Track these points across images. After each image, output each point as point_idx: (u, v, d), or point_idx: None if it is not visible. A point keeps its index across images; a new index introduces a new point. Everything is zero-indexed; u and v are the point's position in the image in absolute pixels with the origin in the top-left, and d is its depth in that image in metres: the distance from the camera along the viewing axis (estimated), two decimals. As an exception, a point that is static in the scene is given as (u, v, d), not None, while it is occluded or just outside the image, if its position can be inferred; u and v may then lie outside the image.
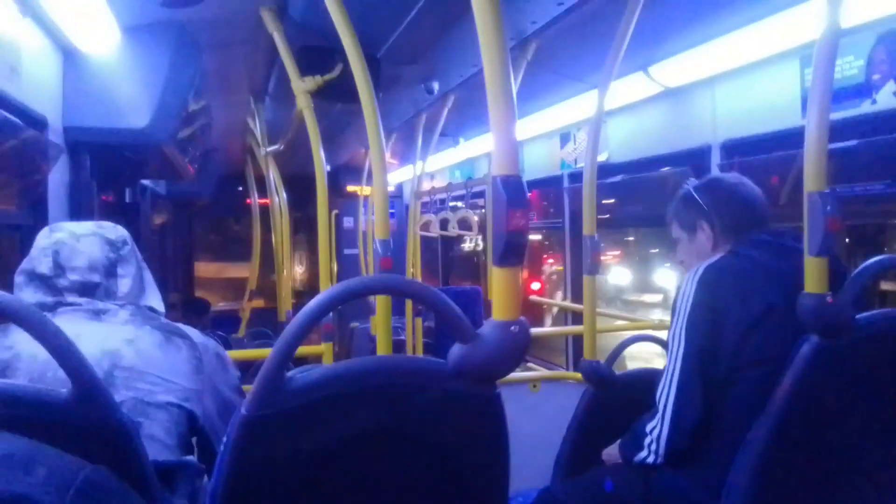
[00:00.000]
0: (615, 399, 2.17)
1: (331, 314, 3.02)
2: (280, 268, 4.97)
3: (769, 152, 2.74)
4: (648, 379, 2.28)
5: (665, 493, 1.56)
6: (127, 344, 1.28)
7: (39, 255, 1.34)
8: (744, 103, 2.91)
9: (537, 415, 3.20)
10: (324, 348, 2.68)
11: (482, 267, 5.90)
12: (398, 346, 4.44)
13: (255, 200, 6.02)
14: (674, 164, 3.32)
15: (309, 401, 0.99)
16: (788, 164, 2.71)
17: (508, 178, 1.07)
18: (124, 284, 1.38)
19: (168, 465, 1.23)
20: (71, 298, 1.31)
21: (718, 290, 1.51)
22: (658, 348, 2.25)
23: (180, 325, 1.42)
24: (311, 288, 8.09)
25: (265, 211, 5.68)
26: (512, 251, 1.08)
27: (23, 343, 1.20)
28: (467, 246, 6.34)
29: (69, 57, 2.44)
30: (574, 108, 3.99)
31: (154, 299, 1.46)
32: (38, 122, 2.15)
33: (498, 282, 1.09)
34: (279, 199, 4.93)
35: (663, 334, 1.89)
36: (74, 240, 1.36)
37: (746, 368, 1.47)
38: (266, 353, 0.96)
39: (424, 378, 1.05)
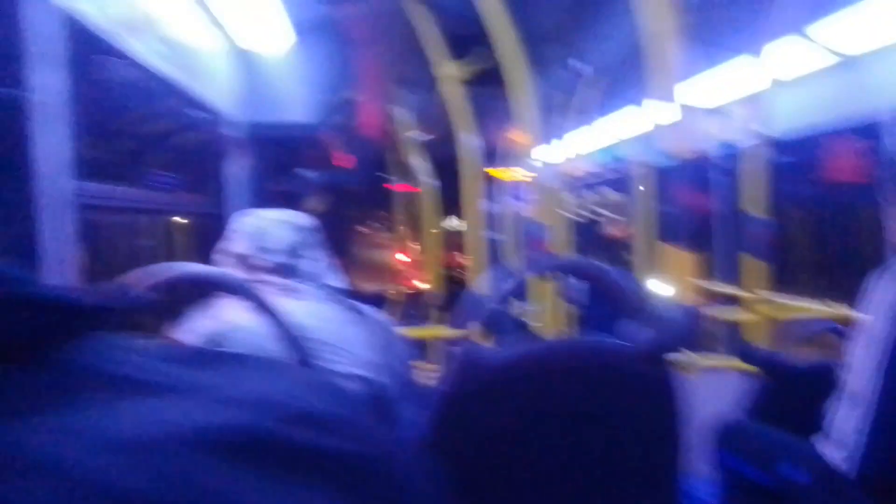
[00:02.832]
0: (791, 391, 2.04)
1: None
2: (430, 253, 5.10)
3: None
4: (827, 372, 2.13)
5: None
6: (318, 319, 1.39)
7: (238, 237, 1.49)
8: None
9: (692, 403, 3.08)
10: (474, 330, 2.74)
11: (623, 250, 5.75)
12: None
13: (398, 187, 6.23)
14: (845, 140, 3.06)
15: (502, 379, 1.03)
16: None
17: (690, 161, 1.05)
18: (311, 265, 1.51)
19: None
20: (265, 277, 1.45)
21: None
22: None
23: (360, 304, 1.52)
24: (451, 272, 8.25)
25: (406, 196, 5.86)
26: (692, 234, 1.06)
27: (234, 317, 1.33)
28: (615, 230, 6.14)
29: (244, 57, 2.65)
30: (729, 84, 3.78)
31: (335, 279, 1.57)
32: (221, 119, 2.35)
33: (676, 264, 1.07)
34: (427, 185, 5.07)
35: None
36: (268, 224, 1.50)
37: None
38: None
39: (608, 359, 1.06)
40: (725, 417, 2.08)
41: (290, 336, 1.02)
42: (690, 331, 1.07)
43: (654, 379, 1.07)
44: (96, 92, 1.62)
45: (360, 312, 1.47)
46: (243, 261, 1.46)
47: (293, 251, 1.47)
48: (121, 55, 1.60)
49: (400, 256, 6.67)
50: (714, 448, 1.80)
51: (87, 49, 1.50)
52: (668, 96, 1.06)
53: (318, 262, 1.51)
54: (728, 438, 1.77)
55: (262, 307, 1.00)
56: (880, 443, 1.25)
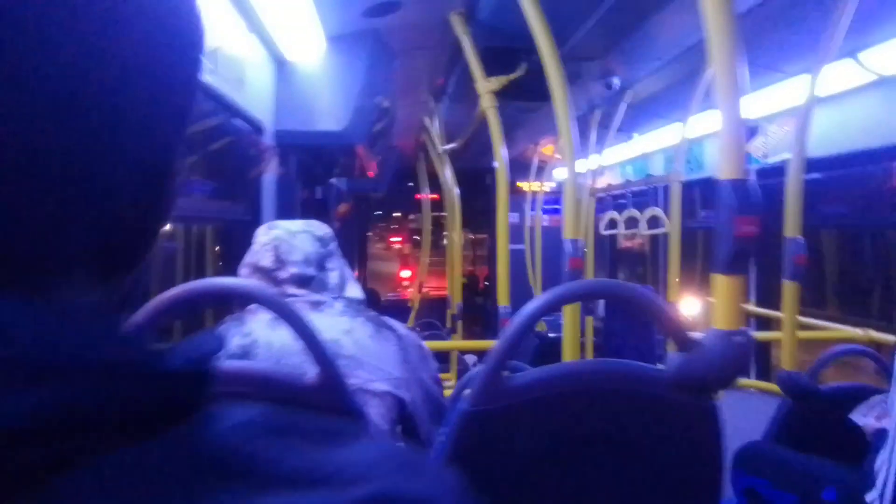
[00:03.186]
0: (817, 414, 2.02)
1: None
2: (452, 261, 5.12)
3: None
4: (858, 396, 2.10)
5: None
6: (345, 334, 1.38)
7: (261, 249, 1.48)
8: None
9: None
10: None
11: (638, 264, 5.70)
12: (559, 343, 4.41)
13: (425, 196, 6.25)
14: (887, 160, 3.01)
15: (528, 399, 1.02)
16: None
17: (736, 182, 1.03)
18: (333, 277, 1.49)
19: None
20: (290, 289, 1.44)
21: None
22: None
23: (386, 318, 1.51)
24: (470, 280, 8.28)
25: (433, 205, 5.88)
26: (738, 259, 1.04)
27: (259, 331, 1.33)
28: (630, 242, 6.14)
29: (280, 66, 2.68)
30: (764, 100, 3.73)
31: (355, 291, 1.55)
32: (257, 128, 2.38)
33: (721, 290, 1.05)
34: (452, 195, 5.08)
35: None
36: (290, 236, 1.48)
37: None
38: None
39: (642, 384, 1.04)
40: (746, 438, 2.07)
41: (321, 353, 1.02)
42: (742, 359, 1.05)
43: (692, 408, 1.05)
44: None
45: (387, 326, 1.46)
46: (267, 273, 1.45)
47: (314, 262, 1.45)
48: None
49: (404, 272, 6.74)
50: (733, 469, 1.79)
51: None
52: (733, 110, 1.05)
53: (339, 273, 1.50)
54: (749, 460, 1.76)
55: (296, 323, 1.00)
56: None
